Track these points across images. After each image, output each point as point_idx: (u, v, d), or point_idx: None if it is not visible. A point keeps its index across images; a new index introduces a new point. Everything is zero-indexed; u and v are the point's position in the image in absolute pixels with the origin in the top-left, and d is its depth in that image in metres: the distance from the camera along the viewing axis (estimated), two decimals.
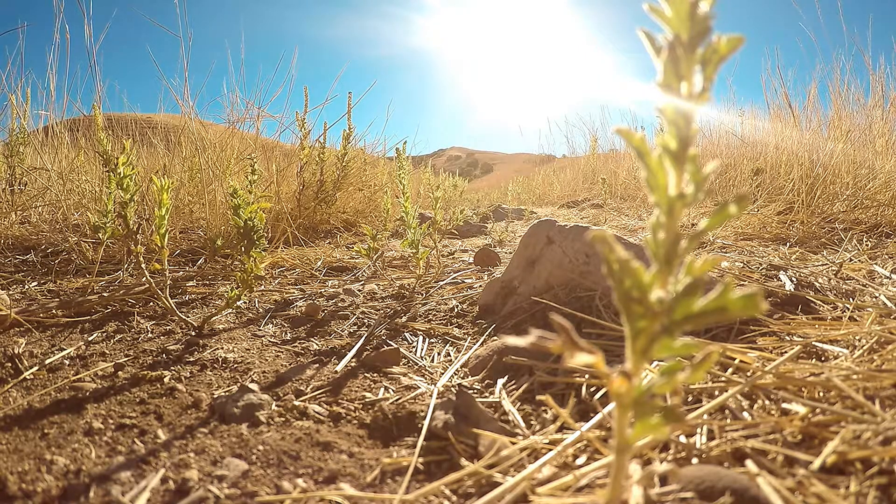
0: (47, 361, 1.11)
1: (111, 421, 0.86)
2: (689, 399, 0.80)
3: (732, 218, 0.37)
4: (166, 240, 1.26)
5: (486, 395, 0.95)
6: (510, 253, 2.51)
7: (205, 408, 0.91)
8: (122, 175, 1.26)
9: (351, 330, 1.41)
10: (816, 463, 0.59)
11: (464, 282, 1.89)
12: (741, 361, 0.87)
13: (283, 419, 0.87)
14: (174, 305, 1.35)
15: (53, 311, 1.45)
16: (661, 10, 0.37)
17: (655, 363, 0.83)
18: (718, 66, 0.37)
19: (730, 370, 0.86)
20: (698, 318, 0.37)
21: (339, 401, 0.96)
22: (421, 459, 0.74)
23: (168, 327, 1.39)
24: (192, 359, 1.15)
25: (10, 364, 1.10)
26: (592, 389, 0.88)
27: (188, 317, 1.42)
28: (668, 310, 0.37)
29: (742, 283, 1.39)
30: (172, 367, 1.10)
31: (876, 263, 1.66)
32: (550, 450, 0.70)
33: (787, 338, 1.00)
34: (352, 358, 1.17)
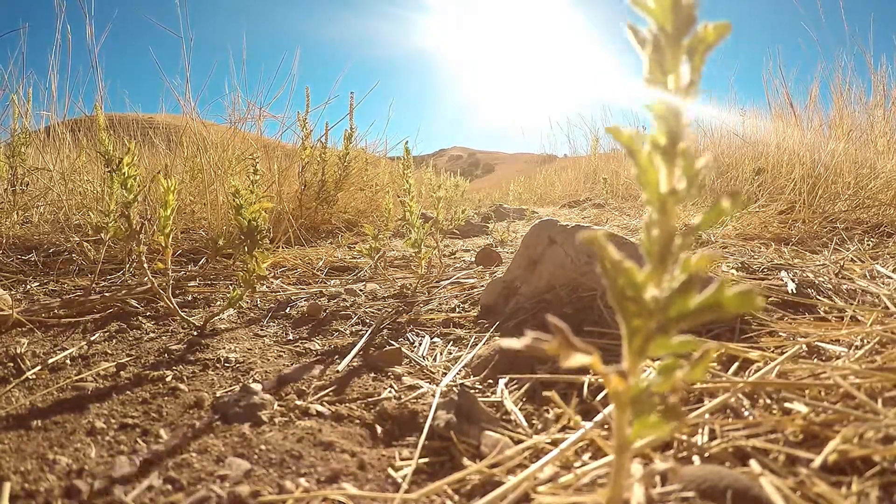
0: (49, 361, 1.12)
1: (113, 420, 0.86)
2: (691, 398, 0.80)
3: (729, 215, 0.37)
4: (170, 240, 1.27)
5: (488, 394, 0.95)
6: (512, 253, 2.51)
7: (207, 407, 0.92)
8: (126, 175, 1.27)
9: (353, 329, 1.41)
10: (818, 462, 0.59)
11: (466, 282, 1.89)
12: (743, 361, 0.87)
13: (286, 419, 0.87)
14: (176, 305, 1.35)
15: (55, 311, 1.46)
16: (643, 2, 0.37)
17: (658, 362, 0.83)
18: (706, 55, 0.36)
19: (731, 369, 0.86)
20: (694, 316, 0.37)
21: (342, 400, 0.96)
22: (423, 459, 0.74)
23: (170, 327, 1.40)
24: (194, 358, 1.16)
25: (12, 364, 1.10)
26: (594, 388, 0.88)
27: (190, 317, 1.42)
28: (662, 308, 0.37)
29: (741, 282, 1.39)
30: (175, 367, 1.10)
31: (878, 263, 1.66)
32: (552, 449, 0.70)
33: (789, 337, 1.00)
34: (354, 357, 1.18)
